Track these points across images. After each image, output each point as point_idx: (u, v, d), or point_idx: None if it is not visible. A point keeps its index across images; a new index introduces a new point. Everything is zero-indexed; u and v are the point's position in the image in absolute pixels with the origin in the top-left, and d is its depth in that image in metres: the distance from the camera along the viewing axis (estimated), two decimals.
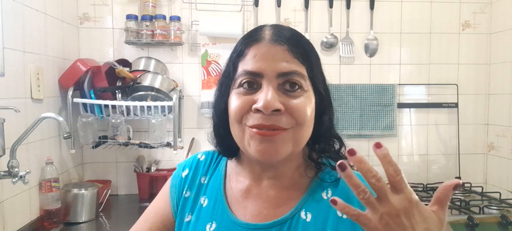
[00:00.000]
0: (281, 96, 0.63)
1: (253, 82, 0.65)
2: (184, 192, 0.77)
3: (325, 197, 0.69)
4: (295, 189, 0.70)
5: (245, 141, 0.65)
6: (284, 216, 0.67)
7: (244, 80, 0.65)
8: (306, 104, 0.65)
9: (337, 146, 0.73)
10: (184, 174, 0.79)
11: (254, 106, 0.63)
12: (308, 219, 0.67)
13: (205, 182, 0.77)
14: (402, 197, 0.50)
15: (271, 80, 0.63)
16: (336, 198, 0.51)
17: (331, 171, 0.71)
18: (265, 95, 0.62)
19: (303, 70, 0.65)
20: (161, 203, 0.79)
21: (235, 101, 0.65)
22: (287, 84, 0.64)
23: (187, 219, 0.74)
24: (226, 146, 0.74)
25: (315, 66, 0.68)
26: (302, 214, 0.67)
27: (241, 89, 0.65)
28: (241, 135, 0.66)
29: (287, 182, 0.71)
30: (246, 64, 0.65)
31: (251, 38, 0.67)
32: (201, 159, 0.81)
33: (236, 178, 0.74)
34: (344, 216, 0.65)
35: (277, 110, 0.62)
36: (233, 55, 0.69)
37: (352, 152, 0.50)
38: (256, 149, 0.64)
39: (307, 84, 0.66)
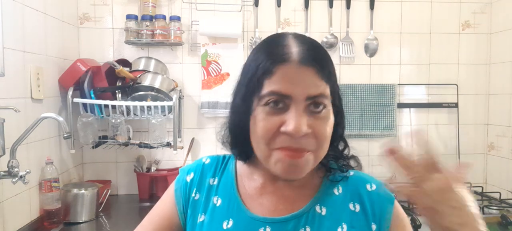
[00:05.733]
0: (307, 118, 0.65)
1: (280, 102, 0.65)
2: (192, 195, 0.77)
3: (337, 193, 0.74)
4: (307, 188, 0.74)
5: (271, 161, 0.67)
6: (300, 210, 0.71)
7: (271, 100, 0.65)
8: (328, 124, 0.67)
9: (341, 147, 0.77)
10: (189, 177, 0.79)
11: (283, 129, 0.64)
12: (323, 213, 0.71)
13: (215, 183, 0.78)
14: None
15: (299, 103, 0.64)
16: (393, 148, 0.62)
17: (339, 172, 0.75)
18: (295, 120, 0.63)
19: (327, 90, 0.67)
20: (166, 207, 0.79)
21: (262, 121, 0.66)
22: (312, 105, 0.65)
23: (200, 220, 0.74)
24: (241, 150, 0.75)
25: (335, 82, 0.70)
26: (317, 208, 0.71)
27: (267, 108, 0.65)
28: (267, 155, 0.67)
29: (300, 182, 0.73)
30: (274, 84, 0.65)
31: (278, 56, 0.66)
32: (206, 162, 0.81)
33: (249, 177, 0.76)
34: (357, 210, 0.72)
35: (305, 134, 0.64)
36: (259, 71, 0.66)
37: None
38: (282, 170, 0.66)
39: (328, 102, 0.68)
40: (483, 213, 1.66)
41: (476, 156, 2.23)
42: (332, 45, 2.09)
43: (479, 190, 1.99)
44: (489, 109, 2.21)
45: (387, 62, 2.15)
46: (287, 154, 0.65)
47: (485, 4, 2.17)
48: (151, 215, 0.80)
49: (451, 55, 2.18)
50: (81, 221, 1.61)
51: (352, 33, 2.11)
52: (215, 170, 0.79)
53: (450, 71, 2.18)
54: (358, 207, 0.72)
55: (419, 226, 1.48)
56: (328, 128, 0.67)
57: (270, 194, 0.73)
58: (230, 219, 0.72)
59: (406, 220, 0.74)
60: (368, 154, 2.14)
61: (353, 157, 0.77)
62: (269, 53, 0.67)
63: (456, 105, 2.18)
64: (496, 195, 1.87)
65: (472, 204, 0.60)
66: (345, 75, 2.12)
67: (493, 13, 2.17)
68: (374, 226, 0.70)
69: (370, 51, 2.13)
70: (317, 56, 0.67)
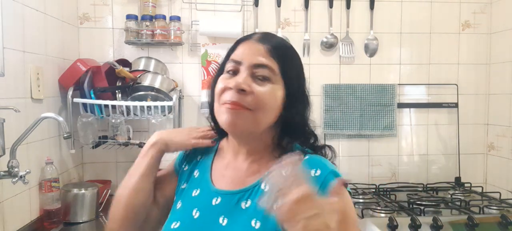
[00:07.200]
0: (251, 82, 0.79)
1: (236, 70, 0.81)
2: (183, 166, 0.96)
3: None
4: (262, 166, 0.85)
5: (220, 117, 0.82)
6: (249, 185, 0.83)
7: (228, 67, 0.82)
8: (270, 93, 0.79)
9: (311, 140, 0.87)
10: (186, 153, 0.98)
11: (227, 85, 0.79)
12: (266, 189, 0.79)
13: (200, 159, 0.95)
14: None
15: (247, 68, 0.80)
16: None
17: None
18: (238, 77, 0.79)
19: (275, 66, 0.80)
20: (169, 168, 0.99)
21: (218, 83, 0.82)
22: (259, 75, 0.79)
23: (182, 187, 0.93)
24: (215, 124, 0.90)
25: (290, 67, 0.83)
26: (262, 185, 0.81)
27: (226, 74, 0.82)
28: (218, 111, 0.83)
29: (257, 158, 0.86)
30: (233, 56, 0.83)
31: (244, 38, 0.86)
32: None
33: (223, 155, 0.92)
34: None
35: (243, 90, 0.77)
36: (229, 51, 0.86)
37: None
38: (224, 121, 0.80)
39: (276, 79, 0.80)
40: (483, 213, 1.66)
41: (476, 156, 2.23)
42: (332, 45, 2.09)
43: (479, 190, 1.99)
44: (489, 109, 2.21)
45: (387, 62, 2.16)
46: (227, 106, 0.78)
47: (485, 4, 2.17)
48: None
49: (451, 55, 2.18)
50: (81, 221, 1.61)
51: (352, 33, 2.11)
52: (205, 149, 0.95)
53: (450, 71, 2.18)
54: None
55: (419, 226, 1.48)
56: (268, 94, 0.79)
57: (232, 169, 0.87)
58: (198, 188, 0.88)
59: (346, 207, 0.75)
60: (368, 154, 2.14)
61: (327, 146, 0.87)
62: (239, 39, 0.87)
63: (456, 105, 2.18)
64: (496, 195, 1.87)
65: (328, 212, 0.64)
66: (345, 75, 2.12)
67: (493, 13, 2.17)
68: None
69: (370, 51, 2.13)
70: (272, 39, 0.83)
